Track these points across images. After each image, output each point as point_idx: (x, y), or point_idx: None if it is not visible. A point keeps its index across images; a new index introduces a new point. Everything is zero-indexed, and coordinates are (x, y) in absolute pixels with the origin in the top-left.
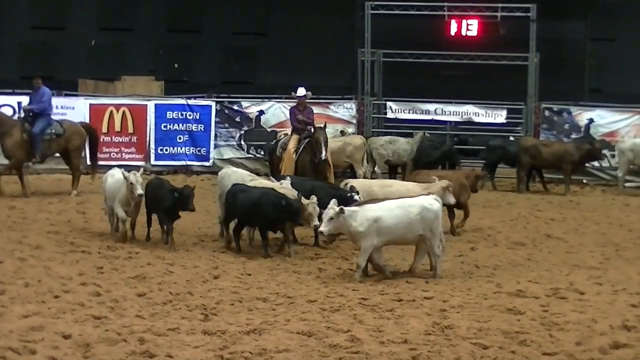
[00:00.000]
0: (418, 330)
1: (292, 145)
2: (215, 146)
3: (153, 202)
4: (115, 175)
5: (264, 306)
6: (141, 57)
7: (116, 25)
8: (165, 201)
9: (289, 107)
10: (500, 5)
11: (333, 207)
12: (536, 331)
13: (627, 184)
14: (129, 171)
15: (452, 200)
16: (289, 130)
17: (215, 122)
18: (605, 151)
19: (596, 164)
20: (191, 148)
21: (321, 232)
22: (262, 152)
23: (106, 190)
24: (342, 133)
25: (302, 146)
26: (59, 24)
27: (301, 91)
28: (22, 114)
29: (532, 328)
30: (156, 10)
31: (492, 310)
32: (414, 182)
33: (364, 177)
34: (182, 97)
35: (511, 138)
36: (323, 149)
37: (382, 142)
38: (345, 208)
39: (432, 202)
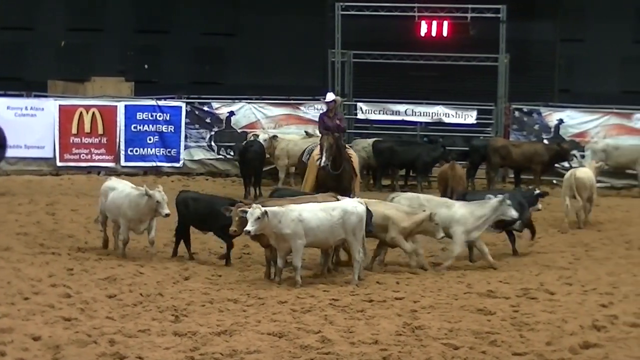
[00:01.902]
0: (389, 330)
1: (316, 152)
2: (186, 147)
3: (206, 219)
4: (120, 188)
5: (234, 307)
6: (110, 58)
7: (85, 26)
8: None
9: (259, 108)
10: (470, 6)
11: (259, 207)
12: (506, 331)
13: (598, 184)
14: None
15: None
16: (259, 131)
17: (186, 123)
18: (575, 152)
19: (567, 164)
20: (161, 149)
21: (247, 232)
22: (232, 153)
23: (107, 204)
24: (307, 134)
25: None
26: (28, 25)
27: (330, 96)
28: None
29: (503, 328)
30: (125, 11)
31: (462, 310)
32: None
33: None
34: (152, 98)
35: (480, 138)
36: (323, 156)
37: (366, 144)
38: (269, 209)
39: (356, 206)
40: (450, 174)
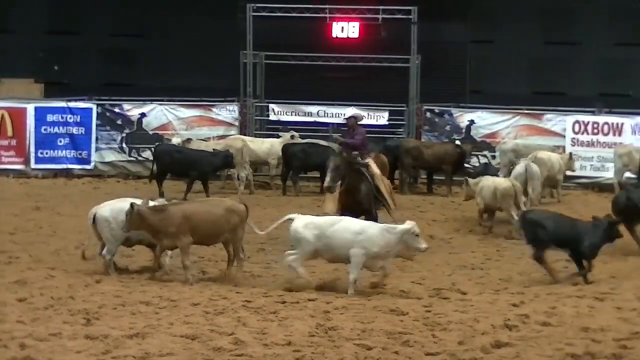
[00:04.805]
0: (302, 332)
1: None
2: (97, 149)
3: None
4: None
5: (147, 310)
6: (20, 60)
7: None
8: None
9: (170, 110)
10: (381, 7)
11: (134, 203)
12: (419, 331)
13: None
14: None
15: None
16: (170, 134)
17: (97, 125)
18: (486, 152)
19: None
20: (72, 151)
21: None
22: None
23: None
24: (292, 137)
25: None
26: None
27: (348, 112)
28: None
29: (415, 328)
30: (35, 12)
31: (375, 311)
32: None
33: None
34: (62, 100)
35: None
36: (327, 177)
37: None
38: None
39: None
40: (377, 162)
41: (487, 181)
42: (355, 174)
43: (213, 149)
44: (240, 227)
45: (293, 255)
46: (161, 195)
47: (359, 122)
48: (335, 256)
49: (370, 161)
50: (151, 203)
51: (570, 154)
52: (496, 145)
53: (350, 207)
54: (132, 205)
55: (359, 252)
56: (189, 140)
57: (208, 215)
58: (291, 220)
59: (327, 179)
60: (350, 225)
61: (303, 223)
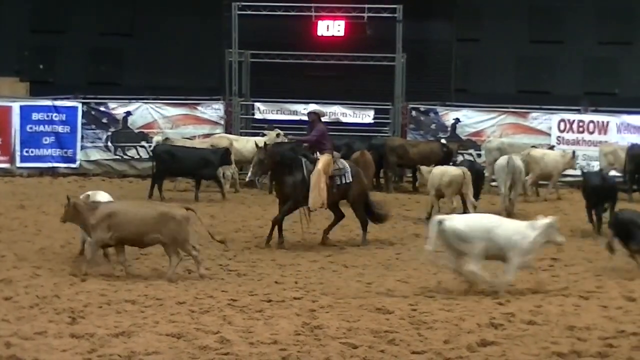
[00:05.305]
0: (288, 330)
1: (318, 167)
2: (82, 148)
3: None
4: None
5: (132, 308)
6: (6, 58)
7: None
8: None
9: (156, 108)
10: (367, 6)
11: (70, 196)
12: (405, 330)
13: (493, 183)
14: None
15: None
16: (155, 132)
17: (82, 124)
18: (471, 151)
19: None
20: (57, 150)
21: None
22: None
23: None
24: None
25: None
26: None
27: (310, 107)
28: None
29: (401, 327)
30: (21, 10)
31: (361, 309)
32: None
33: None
34: (48, 99)
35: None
36: (250, 171)
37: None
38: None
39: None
40: (361, 161)
41: (439, 169)
42: (286, 168)
43: (211, 146)
44: (179, 232)
45: (469, 261)
46: (162, 197)
47: (321, 118)
48: (494, 255)
49: (322, 157)
50: (102, 198)
51: (574, 152)
52: (482, 143)
53: (280, 199)
54: (68, 197)
55: (519, 251)
56: (167, 139)
57: (133, 217)
58: (440, 222)
59: (249, 173)
60: (510, 226)
61: (464, 224)
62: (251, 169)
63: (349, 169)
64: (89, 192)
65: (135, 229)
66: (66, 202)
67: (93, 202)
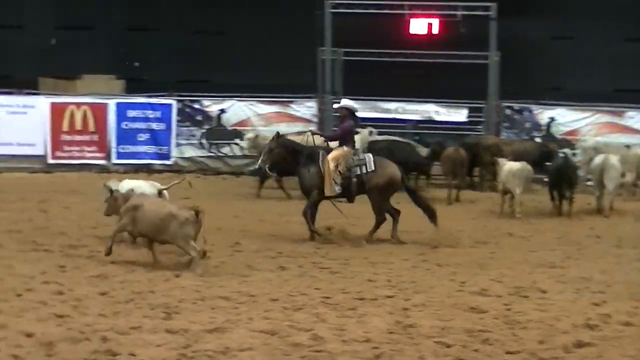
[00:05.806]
0: (380, 328)
1: (331, 157)
2: (177, 144)
3: None
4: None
5: (226, 305)
6: (101, 56)
7: (75, 24)
8: None
9: (249, 106)
10: (460, 4)
11: (113, 190)
12: (499, 330)
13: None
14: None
15: None
16: (249, 129)
17: (177, 121)
18: (567, 150)
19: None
20: (152, 147)
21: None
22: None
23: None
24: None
25: None
26: (16, 23)
27: (342, 102)
28: None
29: (495, 327)
30: (115, 9)
31: (454, 309)
32: None
33: None
34: (143, 96)
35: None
36: (260, 159)
37: None
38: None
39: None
40: (456, 157)
41: (507, 164)
42: (300, 158)
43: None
44: (181, 231)
45: None
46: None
47: (354, 114)
48: None
49: (335, 149)
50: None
51: None
52: (576, 142)
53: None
54: (111, 191)
55: None
56: (257, 137)
57: (150, 215)
58: None
59: (259, 160)
60: None
61: None
62: (261, 157)
63: (371, 159)
64: (132, 185)
65: (148, 226)
66: (107, 196)
67: (128, 193)
